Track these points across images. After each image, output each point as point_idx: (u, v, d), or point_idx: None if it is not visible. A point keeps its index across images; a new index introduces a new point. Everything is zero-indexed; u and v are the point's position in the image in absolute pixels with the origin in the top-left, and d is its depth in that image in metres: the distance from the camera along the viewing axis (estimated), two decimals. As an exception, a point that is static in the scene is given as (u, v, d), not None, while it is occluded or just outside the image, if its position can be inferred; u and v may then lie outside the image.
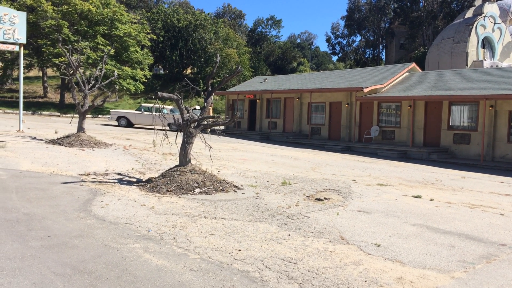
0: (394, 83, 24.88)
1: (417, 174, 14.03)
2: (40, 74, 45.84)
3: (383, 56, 67.91)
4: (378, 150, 21.19)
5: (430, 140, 21.67)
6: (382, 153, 20.76)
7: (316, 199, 8.78)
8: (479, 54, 36.68)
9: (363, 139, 23.81)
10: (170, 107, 28.29)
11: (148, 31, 40.57)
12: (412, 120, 21.85)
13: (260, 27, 74.94)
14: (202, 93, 11.45)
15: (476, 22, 36.35)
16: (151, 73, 42.43)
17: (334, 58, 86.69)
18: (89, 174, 9.95)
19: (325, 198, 8.82)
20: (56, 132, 17.11)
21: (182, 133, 9.50)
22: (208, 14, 57.87)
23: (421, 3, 56.73)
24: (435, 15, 53.03)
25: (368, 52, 68.88)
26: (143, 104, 30.07)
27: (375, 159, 18.71)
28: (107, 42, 34.22)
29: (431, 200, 9.44)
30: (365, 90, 22.77)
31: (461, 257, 5.63)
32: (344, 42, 70.00)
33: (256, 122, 30.66)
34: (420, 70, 28.23)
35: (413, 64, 27.51)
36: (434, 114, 21.58)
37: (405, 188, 10.90)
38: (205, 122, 9.67)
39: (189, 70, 55.79)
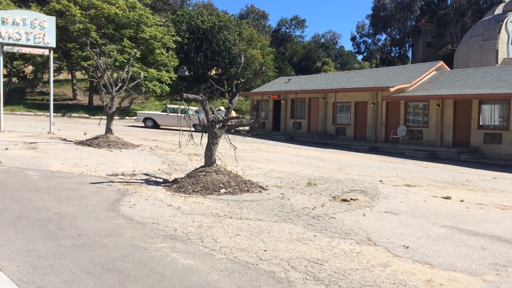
0: (421, 82, 24.45)
1: (446, 175, 13.74)
2: (69, 77, 46.92)
3: (409, 54, 66.83)
4: (405, 150, 20.85)
5: (460, 139, 21.19)
6: (410, 153, 20.43)
7: (342, 200, 8.70)
8: (509, 51, 35.66)
9: (389, 139, 23.48)
10: (195, 108, 28.51)
11: (173, 33, 41.03)
12: (441, 119, 21.41)
13: (284, 27, 74.79)
14: (227, 94, 11.50)
15: (506, 19, 35.35)
16: (176, 75, 42.91)
17: (359, 57, 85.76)
18: (117, 175, 10.13)
19: (351, 199, 8.73)
20: (85, 134, 17.49)
21: (207, 134, 9.56)
22: (232, 15, 58.11)
23: (449, 0, 55.56)
24: (463, 12, 51.84)
25: (394, 51, 67.87)
26: (169, 106, 30.42)
27: (402, 159, 18.43)
28: (133, 45, 34.78)
29: (461, 201, 9.23)
30: (392, 90, 22.45)
31: (493, 260, 5.48)
32: (370, 41, 69.23)
33: (280, 123, 30.62)
34: (448, 69, 27.66)
35: (441, 63, 26.98)
36: (464, 113, 21.09)
37: (434, 189, 10.69)
38: (230, 123, 9.71)
39: (213, 72, 56.12)
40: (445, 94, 20.85)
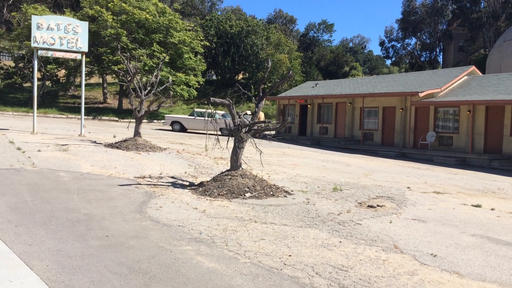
0: (452, 87, 23.94)
1: (476, 182, 13.39)
2: (100, 81, 48.05)
3: (440, 59, 65.51)
4: (434, 157, 20.44)
5: (491, 146, 20.61)
6: (439, 159, 20.00)
7: (369, 206, 8.60)
8: (545, 55, 34.50)
9: (418, 145, 23.05)
10: (222, 112, 28.69)
11: (201, 38, 41.48)
12: (472, 125, 20.89)
13: (312, 31, 74.59)
14: (253, 98, 11.53)
15: (542, 22, 34.25)
16: (203, 79, 43.29)
17: (388, 62, 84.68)
18: (145, 177, 10.29)
19: (378, 205, 8.62)
20: (114, 136, 17.85)
21: (233, 137, 9.61)
22: (260, 20, 58.38)
23: (482, 4, 54.24)
24: (497, 15, 50.51)
25: (424, 56, 66.68)
26: (196, 110, 30.70)
27: (431, 166, 18.07)
28: (162, 49, 35.32)
29: (492, 209, 8.98)
30: (421, 95, 22.06)
31: (525, 271, 5.31)
32: (399, 45, 68.19)
33: (307, 127, 30.50)
34: (480, 74, 26.97)
35: (473, 67, 26.34)
36: (496, 119, 20.52)
37: (464, 197, 10.44)
38: (256, 127, 9.73)
39: (240, 76, 56.40)
40: (476, 99, 20.34)
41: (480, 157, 19.32)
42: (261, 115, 27.05)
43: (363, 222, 7.28)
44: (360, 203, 8.90)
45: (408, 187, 11.26)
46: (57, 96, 45.04)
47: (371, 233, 6.66)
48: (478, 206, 9.25)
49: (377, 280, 4.81)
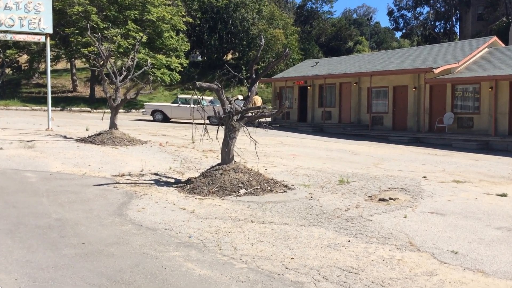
0: (471, 61, 23.99)
1: (501, 169, 13.49)
2: (68, 66, 47.68)
3: (457, 29, 65.57)
4: (452, 141, 20.55)
5: (517, 127, 20.75)
6: (458, 144, 20.11)
7: (380, 199, 8.66)
8: None
9: (434, 129, 23.15)
10: (210, 98, 28.63)
11: (183, 13, 41.18)
12: (495, 104, 20.98)
13: (310, 2, 74.24)
14: (245, 81, 11.50)
15: None
16: (187, 61, 43.10)
17: (398, 34, 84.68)
18: (124, 175, 10.28)
19: (390, 198, 8.68)
20: (87, 130, 17.78)
21: (223, 127, 9.61)
22: (250, -10, 57.97)
23: (503, -36, 54.20)
24: (520, -23, 50.50)
25: (438, 26, 66.67)
26: (180, 96, 30.61)
27: (449, 151, 18.17)
28: (138, 28, 35.07)
29: (520, 199, 9.06)
30: (436, 71, 22.10)
31: (558, 267, 5.38)
32: (409, 15, 68.18)
33: (307, 112, 30.52)
34: (503, 45, 27.06)
35: (494, 38, 26.39)
36: (521, 96, 20.63)
37: (487, 185, 10.52)
38: (250, 114, 9.73)
39: (230, 56, 56.17)
40: (499, 74, 20.40)
41: (505, 139, 19.43)
42: (257, 100, 27.04)
43: (374, 218, 7.33)
44: (370, 196, 8.95)
45: (424, 177, 11.33)
46: (19, 85, 44.72)
47: (384, 230, 6.71)
48: (503, 195, 9.33)
49: (391, 282, 4.86)
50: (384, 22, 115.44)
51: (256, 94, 31.40)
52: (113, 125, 15.71)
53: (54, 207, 7.48)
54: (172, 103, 29.65)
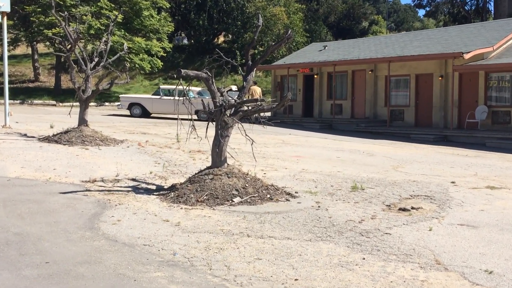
0: (508, 45, 24.01)
1: (544, 172, 13.52)
2: (29, 51, 47.58)
3: (491, 7, 65.65)
4: (486, 140, 20.57)
5: (562, 123, 20.80)
6: (493, 143, 20.14)
7: (400, 209, 8.66)
8: None
9: (464, 125, 23.18)
10: (198, 89, 28.64)
11: (166, -12, 41.17)
12: (535, 95, 21.02)
13: (317, -25, 74.27)
14: (240, 68, 11.48)
15: None
16: (171, 45, 43.08)
17: (421, 12, 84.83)
18: (96, 181, 10.26)
19: (413, 208, 8.69)
20: (51, 127, 17.74)
21: (214, 123, 9.59)
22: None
23: None
24: None
25: (469, 3, 66.76)
26: (162, 87, 30.61)
27: (482, 151, 18.19)
28: (113, 5, 35.01)
29: None
30: (466, 56, 22.10)
31: None
32: (435, -10, 68.20)
33: (314, 106, 30.52)
34: (546, 25, 27.06)
35: (535, 17, 26.44)
36: None
37: (527, 192, 10.54)
38: (245, 108, 9.72)
39: (221, 39, 56.15)
40: (541, 60, 20.44)
41: (548, 138, 19.48)
42: (256, 91, 27.11)
43: (394, 231, 7.33)
44: (389, 205, 8.95)
45: (453, 182, 11.34)
46: (-29, 74, 44.61)
47: (405, 245, 6.71)
48: (546, 204, 9.35)
49: (414, 308, 4.86)
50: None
51: (255, 84, 31.46)
52: (82, 121, 15.68)
53: (12, 220, 7.46)
54: (153, 95, 29.63)
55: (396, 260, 6.14)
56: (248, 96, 26.96)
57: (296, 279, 5.46)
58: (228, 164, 9.64)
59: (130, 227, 7.26)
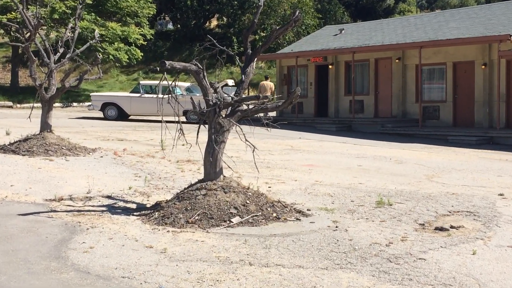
0: None
1: None
2: (-21, 41, 47.73)
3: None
4: (541, 141, 20.57)
5: None
6: (549, 145, 20.14)
7: (437, 228, 8.64)
8: None
9: (514, 124, 23.21)
10: (187, 84, 28.65)
11: (145, -39, 41.28)
12: None
13: None
14: (238, 58, 11.49)
15: None
16: (153, 31, 43.14)
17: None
18: (62, 199, 10.24)
19: (452, 227, 8.67)
20: (7, 134, 17.75)
21: (207, 126, 9.59)
22: None
23: None
24: None
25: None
26: (142, 82, 30.64)
27: (536, 156, 18.17)
28: (81, -16, 35.11)
29: None
30: (515, 40, 22.16)
31: None
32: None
33: (328, 103, 30.52)
34: None
35: None
36: None
37: None
38: (245, 107, 9.71)
39: (214, 22, 56.30)
40: None
41: None
42: (267, 87, 27.22)
43: (429, 256, 7.31)
44: (423, 224, 8.93)
45: (501, 194, 11.32)
46: None
47: (443, 273, 6.69)
48: None
49: None
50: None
51: (267, 79, 31.49)
52: (45, 126, 15.67)
53: (-39, 248, 7.46)
54: (131, 92, 29.62)
55: (433, 292, 6.13)
56: (259, 92, 26.91)
57: (310, 317, 5.46)
58: (224, 176, 9.63)
59: (106, 255, 7.24)
